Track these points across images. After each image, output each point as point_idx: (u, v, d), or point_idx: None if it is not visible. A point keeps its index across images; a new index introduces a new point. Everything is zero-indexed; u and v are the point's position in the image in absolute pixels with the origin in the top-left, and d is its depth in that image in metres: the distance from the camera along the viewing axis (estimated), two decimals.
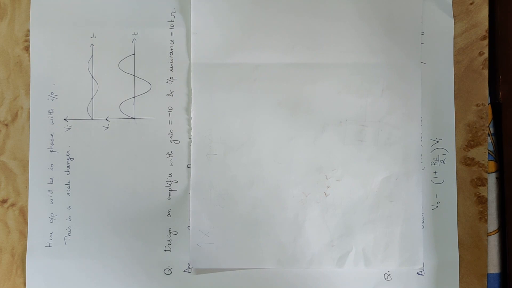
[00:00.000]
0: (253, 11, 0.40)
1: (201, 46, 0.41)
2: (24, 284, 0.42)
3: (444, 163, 0.41)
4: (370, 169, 0.40)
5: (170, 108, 0.41)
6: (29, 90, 0.42)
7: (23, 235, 0.42)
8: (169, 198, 0.41)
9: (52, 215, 0.41)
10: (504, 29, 0.41)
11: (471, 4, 0.41)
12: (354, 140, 0.40)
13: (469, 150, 0.41)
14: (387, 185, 0.40)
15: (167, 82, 0.41)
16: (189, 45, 0.41)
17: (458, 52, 0.41)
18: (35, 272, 0.41)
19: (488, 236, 0.41)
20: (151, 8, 0.41)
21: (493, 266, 0.41)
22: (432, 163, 0.41)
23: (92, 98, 0.41)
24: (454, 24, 0.41)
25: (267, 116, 0.40)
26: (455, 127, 0.41)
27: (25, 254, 0.42)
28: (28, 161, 0.42)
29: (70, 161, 0.41)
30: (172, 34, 0.41)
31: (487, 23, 0.41)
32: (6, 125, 0.42)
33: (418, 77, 0.40)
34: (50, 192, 0.41)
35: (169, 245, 0.41)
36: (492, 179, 0.42)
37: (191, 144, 0.41)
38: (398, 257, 0.40)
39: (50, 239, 0.41)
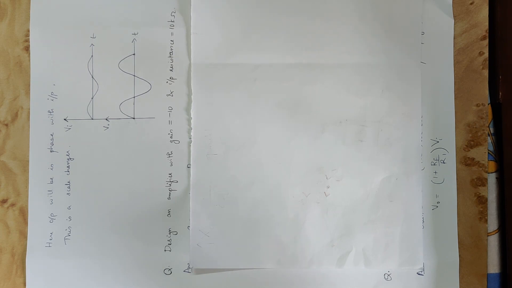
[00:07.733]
0: (253, 11, 0.40)
1: (201, 46, 0.41)
2: (24, 284, 0.42)
3: (444, 163, 0.41)
4: (370, 169, 0.40)
5: (170, 108, 0.41)
6: (29, 90, 0.42)
7: (23, 235, 0.42)
8: (169, 198, 0.41)
9: (52, 215, 0.41)
10: (504, 29, 0.41)
11: (471, 4, 0.41)
12: (354, 140, 0.40)
13: (469, 150, 0.41)
14: (387, 185, 0.40)
15: (167, 82, 0.41)
16: (189, 45, 0.41)
17: (458, 52, 0.41)
18: (35, 272, 0.41)
19: (488, 236, 0.41)
20: (151, 8, 0.41)
21: (493, 266, 0.41)
22: (432, 163, 0.41)
23: (92, 98, 0.41)
24: (454, 24, 0.41)
25: (267, 116, 0.40)
26: (455, 127, 0.41)
27: (25, 254, 0.42)
28: (28, 161, 0.42)
29: (70, 161, 0.41)
30: (172, 34, 0.41)
31: (487, 23, 0.41)
32: (6, 125, 0.42)
33: (418, 77, 0.40)
34: (50, 192, 0.41)
35: (169, 245, 0.41)
36: (492, 179, 0.42)
37: (191, 144, 0.41)
38: (398, 257, 0.40)
39: (50, 239, 0.41)
